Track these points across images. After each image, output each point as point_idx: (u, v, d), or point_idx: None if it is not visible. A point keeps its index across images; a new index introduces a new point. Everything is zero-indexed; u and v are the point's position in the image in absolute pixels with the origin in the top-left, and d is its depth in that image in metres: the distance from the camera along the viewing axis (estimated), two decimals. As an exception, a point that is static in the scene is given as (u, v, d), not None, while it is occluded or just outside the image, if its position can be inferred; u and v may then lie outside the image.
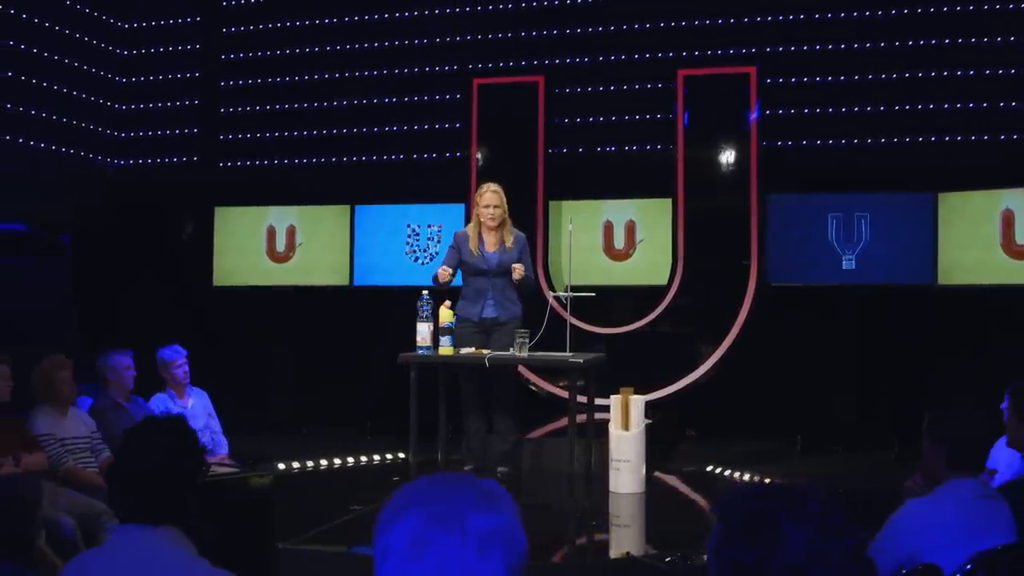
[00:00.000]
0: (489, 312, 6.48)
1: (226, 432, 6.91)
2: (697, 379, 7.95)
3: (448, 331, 6.22)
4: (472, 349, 6.26)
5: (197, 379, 6.93)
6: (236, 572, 2.44)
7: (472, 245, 6.54)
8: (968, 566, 3.12)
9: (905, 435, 6.96)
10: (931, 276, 8.01)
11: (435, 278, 6.47)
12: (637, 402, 5.87)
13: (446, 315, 6.26)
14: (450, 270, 6.49)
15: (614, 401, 5.91)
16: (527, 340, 6.13)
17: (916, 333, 8.05)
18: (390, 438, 7.76)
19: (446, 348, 6.22)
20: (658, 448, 7.54)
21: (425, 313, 6.19)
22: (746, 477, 6.73)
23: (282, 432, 8.70)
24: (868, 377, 8.26)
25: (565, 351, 6.35)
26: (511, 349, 6.15)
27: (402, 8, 9.35)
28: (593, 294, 6.92)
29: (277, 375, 9.43)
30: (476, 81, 8.59)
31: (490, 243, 6.54)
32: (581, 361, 6.09)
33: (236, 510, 4.36)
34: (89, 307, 9.21)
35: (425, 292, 6.33)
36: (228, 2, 9.83)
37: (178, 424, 2.57)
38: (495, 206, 6.50)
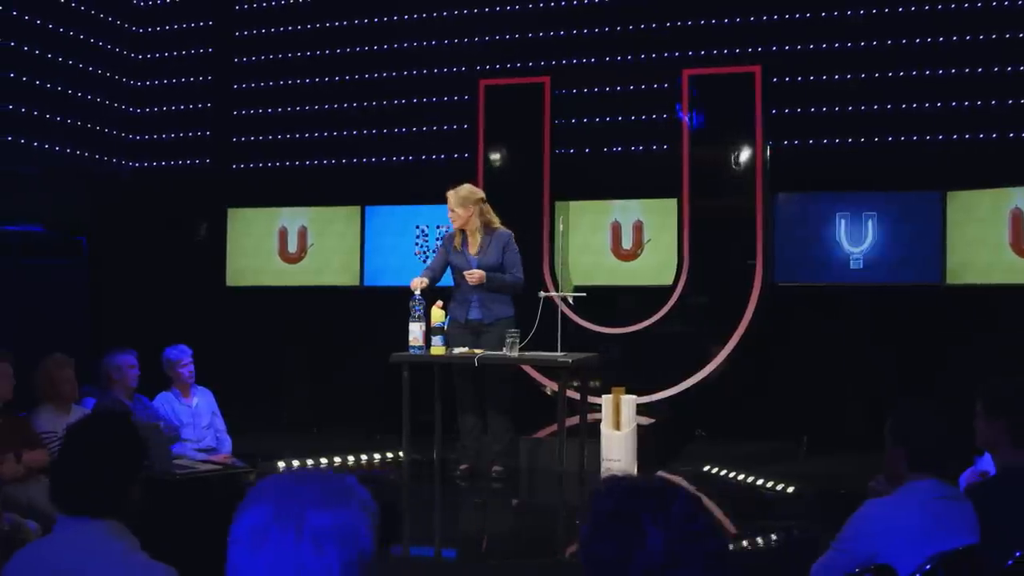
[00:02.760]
0: (474, 315, 6.53)
1: (238, 431, 7.01)
2: (703, 379, 7.92)
3: (439, 331, 6.28)
4: (465, 349, 6.31)
5: (211, 378, 7.02)
6: (216, 568, 2.48)
7: (456, 244, 6.62)
8: (928, 567, 3.11)
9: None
10: (939, 275, 7.95)
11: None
12: (628, 402, 5.87)
13: (438, 315, 6.32)
14: (425, 280, 6.53)
15: (605, 401, 5.93)
16: (517, 339, 6.17)
17: (924, 333, 7.99)
18: (399, 437, 7.80)
19: (438, 348, 6.27)
20: (665, 448, 7.55)
21: (417, 313, 6.25)
22: (740, 477, 6.73)
23: (293, 431, 8.78)
24: (876, 377, 8.20)
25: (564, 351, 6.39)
26: (503, 349, 6.20)
27: (410, 11, 9.43)
28: (584, 294, 6.92)
29: (289, 375, 9.53)
30: (483, 82, 8.61)
31: (474, 245, 6.59)
32: (570, 361, 6.11)
33: (218, 506, 4.42)
34: (105, 307, 9.35)
35: (417, 292, 6.39)
36: (240, 6, 9.95)
37: (118, 420, 2.63)
38: (450, 209, 6.58)
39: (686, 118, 8.11)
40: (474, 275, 6.39)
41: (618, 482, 1.61)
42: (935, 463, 3.33)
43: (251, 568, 1.38)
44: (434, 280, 6.60)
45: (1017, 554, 3.21)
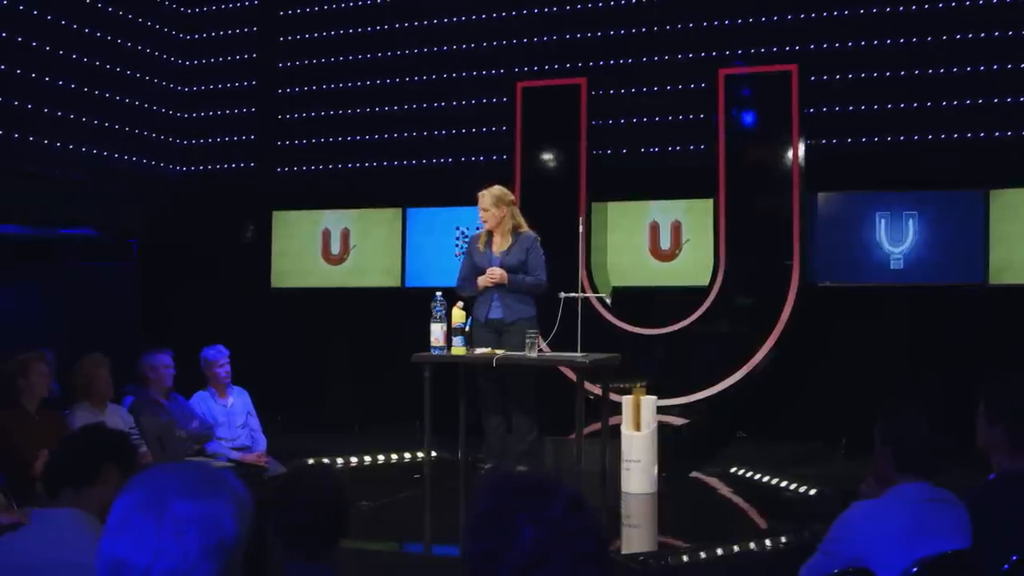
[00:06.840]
0: (495, 314, 6.55)
1: (280, 431, 7.14)
2: (740, 380, 7.87)
3: (460, 331, 6.34)
4: (487, 349, 6.36)
5: (255, 378, 7.16)
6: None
7: (480, 245, 6.67)
8: (914, 570, 3.08)
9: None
10: (982, 275, 7.81)
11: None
12: (648, 402, 5.86)
13: (459, 316, 6.38)
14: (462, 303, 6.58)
15: (626, 401, 5.92)
16: (536, 340, 6.20)
17: (966, 334, 7.85)
18: (437, 437, 7.87)
19: (459, 348, 6.33)
20: (701, 449, 7.52)
21: (439, 314, 6.32)
22: (765, 479, 6.68)
23: (334, 431, 8.89)
24: (916, 379, 8.06)
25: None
26: (525, 348, 6.23)
27: (448, 14, 9.50)
28: (606, 295, 6.91)
29: (331, 375, 9.66)
30: (520, 84, 8.66)
31: (499, 245, 6.64)
32: (587, 361, 6.12)
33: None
34: (154, 308, 9.59)
35: (438, 293, 6.47)
36: (284, 12, 10.12)
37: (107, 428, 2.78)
38: (483, 209, 6.62)
39: (721, 114, 8.07)
40: (495, 273, 6.43)
41: (500, 479, 1.62)
42: (922, 464, 3.29)
43: (113, 552, 1.46)
44: (472, 292, 6.67)
45: (1014, 558, 3.16)
